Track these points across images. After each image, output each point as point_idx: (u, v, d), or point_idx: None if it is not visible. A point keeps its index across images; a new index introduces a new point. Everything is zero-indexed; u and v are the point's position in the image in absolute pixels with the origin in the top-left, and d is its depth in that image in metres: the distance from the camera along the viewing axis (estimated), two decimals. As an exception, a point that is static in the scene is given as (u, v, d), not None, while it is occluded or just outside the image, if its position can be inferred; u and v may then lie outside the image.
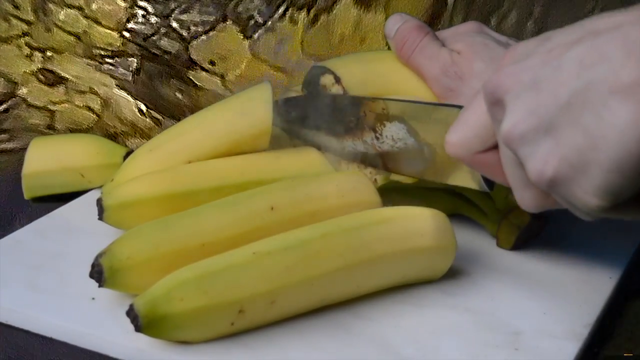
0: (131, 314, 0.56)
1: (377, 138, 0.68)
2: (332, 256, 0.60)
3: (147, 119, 0.87)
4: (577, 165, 0.48)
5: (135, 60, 0.86)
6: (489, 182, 0.62)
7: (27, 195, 0.76)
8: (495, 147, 0.56)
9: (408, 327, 0.61)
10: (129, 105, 0.87)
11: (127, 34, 0.86)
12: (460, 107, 0.60)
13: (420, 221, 0.63)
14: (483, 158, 0.57)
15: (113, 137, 0.86)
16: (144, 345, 0.57)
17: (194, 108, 0.86)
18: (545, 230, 0.72)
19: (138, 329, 0.56)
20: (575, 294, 0.65)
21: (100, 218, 0.67)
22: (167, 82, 0.87)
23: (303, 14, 0.86)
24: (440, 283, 0.65)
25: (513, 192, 0.55)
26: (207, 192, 0.67)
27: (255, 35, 0.87)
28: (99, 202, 0.66)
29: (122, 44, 0.87)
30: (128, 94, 0.87)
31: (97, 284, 0.60)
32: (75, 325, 0.59)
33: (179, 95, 0.87)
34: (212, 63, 0.86)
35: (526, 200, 0.54)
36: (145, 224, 0.62)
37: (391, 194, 0.70)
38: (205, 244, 0.61)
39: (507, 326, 0.61)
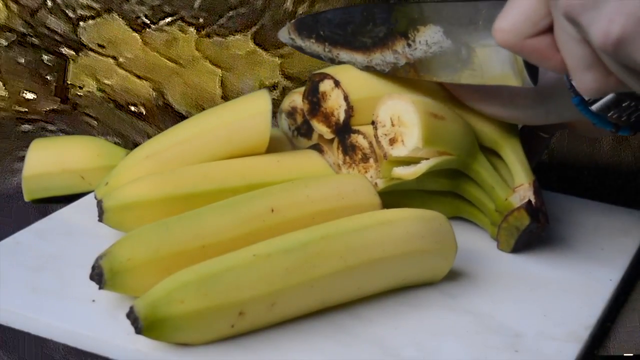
0: (131, 316, 0.56)
1: (410, 45, 0.68)
2: (333, 258, 0.60)
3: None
4: None
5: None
6: (532, 76, 0.61)
7: (27, 197, 0.76)
8: (546, 30, 0.55)
9: (408, 329, 0.61)
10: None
11: (13, 6, 0.85)
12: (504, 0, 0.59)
13: (420, 223, 0.63)
14: (534, 43, 0.55)
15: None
16: (144, 347, 0.57)
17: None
18: (546, 232, 0.72)
19: (138, 331, 0.56)
20: (576, 296, 0.65)
21: (101, 220, 0.67)
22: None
23: (192, 29, 0.87)
24: (441, 285, 0.65)
25: (572, 76, 0.54)
26: (208, 195, 0.67)
27: (144, 32, 0.87)
28: (100, 204, 0.66)
29: (6, 16, 0.86)
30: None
31: (97, 286, 0.60)
32: (76, 328, 0.59)
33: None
34: (101, 46, 0.86)
35: (586, 83, 0.53)
36: (145, 226, 0.62)
37: (392, 197, 0.70)
38: (206, 245, 0.61)
39: (507, 328, 0.61)
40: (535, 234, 0.70)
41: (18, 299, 0.62)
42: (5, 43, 0.87)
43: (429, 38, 0.67)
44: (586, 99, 0.57)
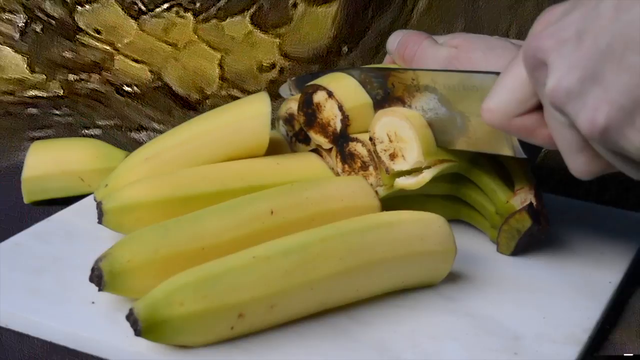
0: (131, 318, 0.56)
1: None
2: (332, 260, 0.60)
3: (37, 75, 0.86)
4: (627, 106, 0.49)
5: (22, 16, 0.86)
6: (525, 148, 0.62)
7: (26, 199, 0.76)
8: (533, 109, 0.56)
9: (407, 332, 0.61)
10: (16, 61, 0.87)
11: None
12: (497, 73, 0.60)
13: (420, 225, 0.63)
14: (521, 122, 0.57)
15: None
16: (143, 349, 0.57)
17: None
18: (545, 234, 0.72)
19: (138, 333, 0.56)
20: (575, 298, 0.65)
21: (100, 222, 0.67)
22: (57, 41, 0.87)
23: (189, 14, 0.87)
24: (440, 287, 0.65)
25: (564, 158, 0.55)
26: (207, 197, 0.67)
27: (141, 19, 0.87)
28: (99, 206, 0.66)
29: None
30: (14, 51, 0.87)
31: (97, 288, 0.60)
32: (75, 330, 0.59)
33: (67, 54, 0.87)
34: (97, 32, 0.86)
35: (579, 165, 0.55)
36: (145, 227, 0.62)
37: (391, 200, 0.70)
38: (206, 247, 0.61)
39: (506, 331, 0.61)
40: (536, 236, 0.70)
41: (18, 301, 0.62)
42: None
43: (424, 104, 0.68)
44: None
